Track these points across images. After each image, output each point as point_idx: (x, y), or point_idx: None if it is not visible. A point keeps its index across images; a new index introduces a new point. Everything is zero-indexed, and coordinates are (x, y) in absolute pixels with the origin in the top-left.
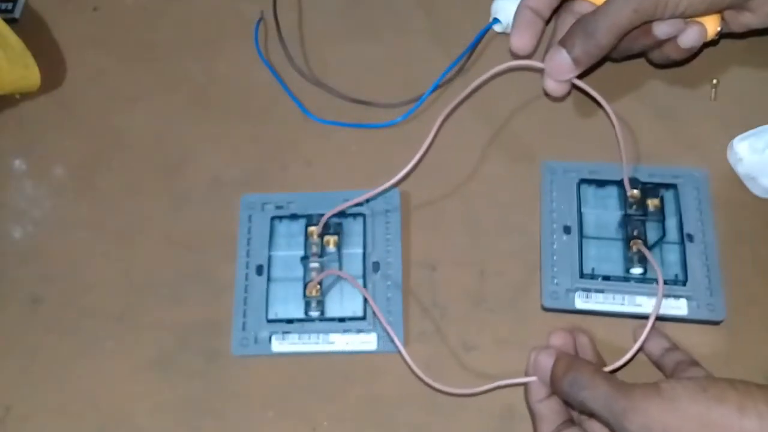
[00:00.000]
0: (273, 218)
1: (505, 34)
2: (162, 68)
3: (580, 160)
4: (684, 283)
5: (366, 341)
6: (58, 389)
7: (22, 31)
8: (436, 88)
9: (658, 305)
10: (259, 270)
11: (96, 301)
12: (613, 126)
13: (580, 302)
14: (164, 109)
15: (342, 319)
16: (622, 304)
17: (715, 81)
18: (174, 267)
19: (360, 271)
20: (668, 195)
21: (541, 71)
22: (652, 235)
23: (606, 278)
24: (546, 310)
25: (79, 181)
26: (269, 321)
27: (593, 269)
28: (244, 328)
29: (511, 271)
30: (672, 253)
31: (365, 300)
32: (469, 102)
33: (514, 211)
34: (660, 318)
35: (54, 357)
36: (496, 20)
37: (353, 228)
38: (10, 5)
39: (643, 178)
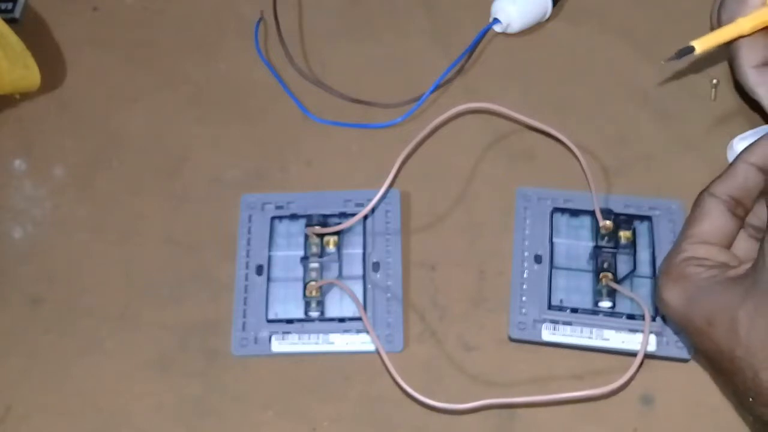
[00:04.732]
0: (273, 218)
1: (505, 34)
2: (162, 68)
3: (561, 185)
4: (653, 318)
5: (366, 341)
6: (58, 389)
7: (22, 31)
8: (436, 88)
9: (645, 341)
10: (259, 270)
11: (96, 301)
12: (578, 160)
13: (548, 334)
14: (164, 109)
15: (342, 320)
16: (590, 338)
17: (715, 81)
18: (174, 267)
19: (360, 272)
20: (642, 227)
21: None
22: (622, 268)
23: (574, 310)
24: (513, 341)
25: (79, 181)
26: (269, 321)
27: (561, 300)
28: (244, 328)
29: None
30: (643, 287)
31: (365, 300)
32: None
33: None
34: (626, 353)
35: (54, 357)
36: (496, 20)
37: (353, 228)
38: (10, 5)
39: (619, 209)
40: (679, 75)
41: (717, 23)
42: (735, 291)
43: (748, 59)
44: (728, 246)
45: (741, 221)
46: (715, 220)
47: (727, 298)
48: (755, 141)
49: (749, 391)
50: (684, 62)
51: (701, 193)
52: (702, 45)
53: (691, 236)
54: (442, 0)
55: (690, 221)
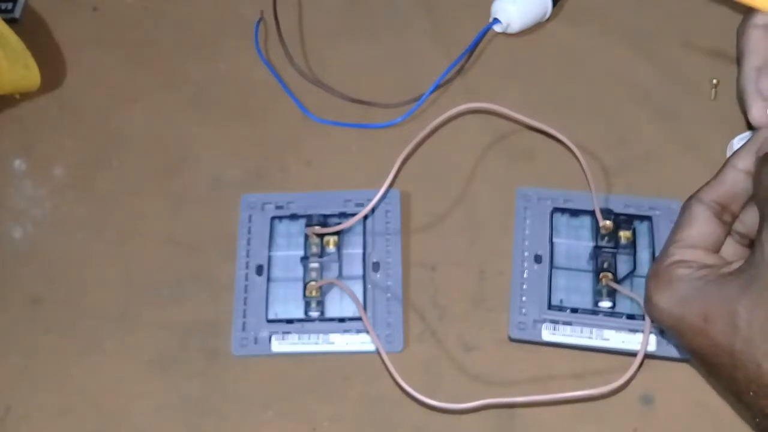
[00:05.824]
0: (273, 218)
1: (505, 34)
2: (162, 68)
3: (561, 185)
4: None
5: (366, 341)
6: (58, 389)
7: (22, 31)
8: (436, 88)
9: (645, 341)
10: (259, 270)
11: (96, 301)
12: (578, 160)
13: (548, 334)
14: (164, 109)
15: (342, 320)
16: (590, 338)
17: (715, 81)
18: (174, 267)
19: (360, 272)
20: (642, 227)
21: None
22: (622, 268)
23: (574, 310)
24: (513, 341)
25: (79, 181)
26: (269, 321)
27: (561, 300)
28: (244, 328)
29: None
30: (643, 287)
31: (365, 300)
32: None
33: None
34: (626, 353)
35: (54, 357)
36: (496, 20)
37: (353, 228)
38: (10, 5)
39: (619, 209)
40: (679, 75)
41: None
42: (731, 286)
43: (752, 61)
44: (716, 251)
45: (728, 227)
46: (702, 225)
47: (723, 294)
48: (742, 145)
49: (751, 384)
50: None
51: (688, 199)
52: None
53: (679, 240)
54: (442, 0)
55: (677, 227)
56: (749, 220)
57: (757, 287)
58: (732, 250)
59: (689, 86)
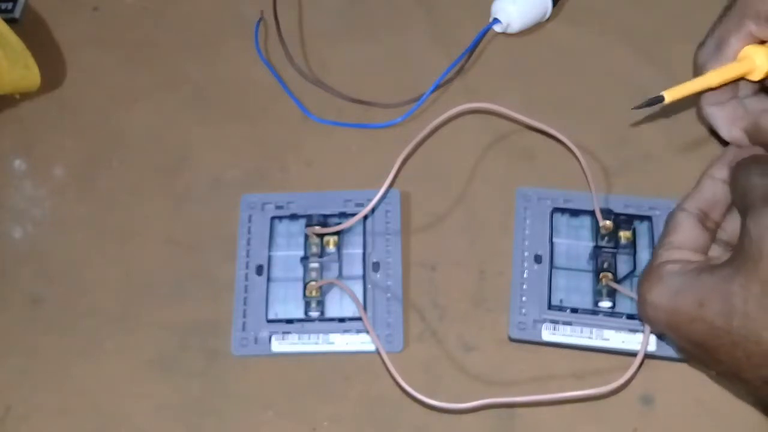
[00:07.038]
0: (273, 218)
1: (505, 34)
2: (162, 68)
3: (561, 185)
4: None
5: (366, 341)
6: (58, 389)
7: (22, 31)
8: (436, 88)
9: (645, 341)
10: (259, 270)
11: (96, 301)
12: (578, 160)
13: (548, 334)
14: (164, 109)
15: (342, 320)
16: (590, 338)
17: None
18: (174, 267)
19: (360, 272)
20: (642, 227)
21: (496, 114)
22: (622, 268)
23: (574, 310)
24: (513, 341)
25: (79, 181)
26: (269, 321)
27: (561, 300)
28: (244, 328)
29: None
30: None
31: (365, 300)
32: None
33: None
34: (626, 353)
35: (54, 357)
36: (496, 20)
37: (353, 228)
38: (10, 5)
39: (619, 209)
40: (679, 75)
41: (694, 64)
42: (723, 271)
43: (706, 99)
44: (703, 254)
45: (712, 233)
46: (687, 230)
47: (716, 279)
48: (717, 158)
49: (752, 357)
50: (654, 109)
51: (672, 211)
52: (671, 95)
53: (666, 244)
54: (442, 0)
55: (664, 234)
56: (730, 227)
57: (748, 267)
58: (718, 254)
59: None
